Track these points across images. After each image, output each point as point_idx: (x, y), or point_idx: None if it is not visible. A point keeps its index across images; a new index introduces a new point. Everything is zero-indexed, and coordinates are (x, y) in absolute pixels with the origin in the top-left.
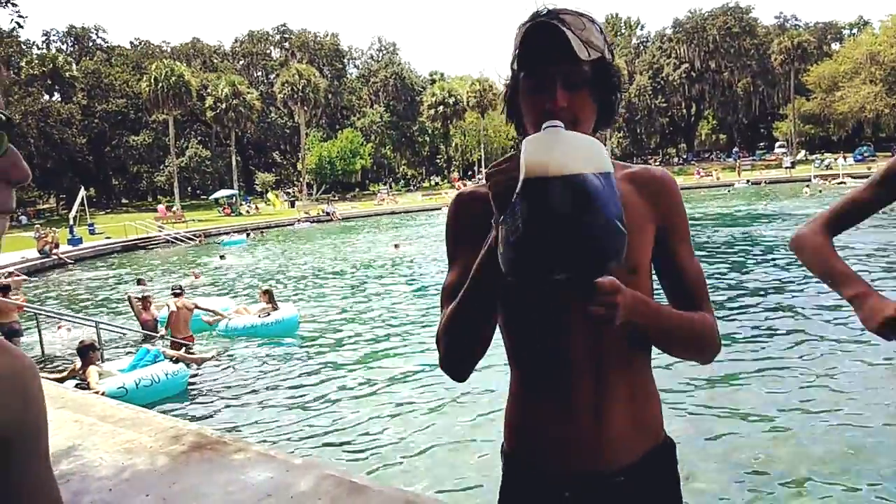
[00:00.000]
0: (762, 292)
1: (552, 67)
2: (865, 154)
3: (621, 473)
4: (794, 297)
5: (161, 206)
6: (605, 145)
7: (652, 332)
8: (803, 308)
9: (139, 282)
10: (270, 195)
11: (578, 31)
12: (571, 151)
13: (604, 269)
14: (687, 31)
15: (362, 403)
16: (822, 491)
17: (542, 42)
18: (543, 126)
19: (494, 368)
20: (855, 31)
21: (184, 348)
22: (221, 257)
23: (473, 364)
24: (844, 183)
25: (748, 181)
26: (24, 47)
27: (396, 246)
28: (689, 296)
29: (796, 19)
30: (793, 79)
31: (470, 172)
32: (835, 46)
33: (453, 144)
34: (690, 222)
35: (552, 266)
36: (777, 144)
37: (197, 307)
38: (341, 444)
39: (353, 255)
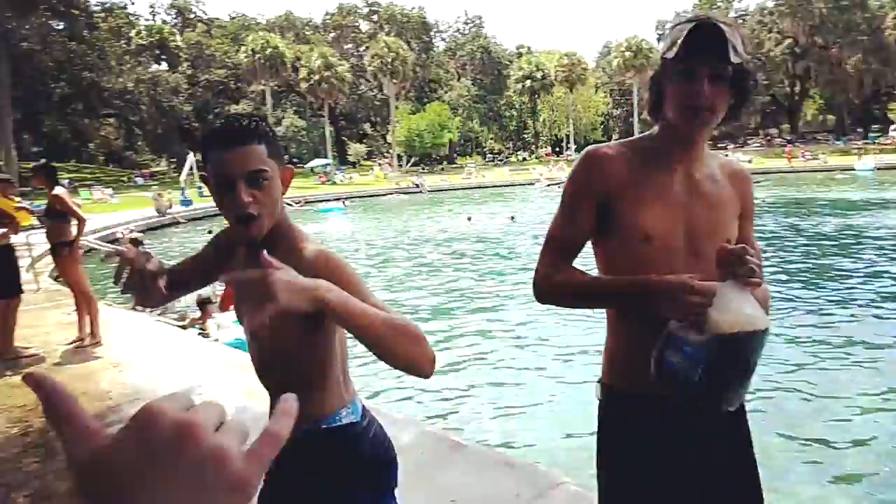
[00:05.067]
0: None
1: (704, 62)
2: None
3: None
4: None
5: None
6: None
7: None
8: None
9: None
10: (377, 170)
11: (732, 36)
12: (757, 310)
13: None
14: (790, 3)
15: (453, 368)
16: None
17: (705, 38)
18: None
19: (587, 329)
20: None
21: None
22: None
23: None
24: None
25: (875, 166)
26: (131, 19)
27: (469, 218)
28: None
29: None
30: None
31: (557, 149)
32: None
33: (541, 119)
34: (802, 207)
35: (709, 394)
36: (892, 127)
37: None
38: (435, 404)
39: (434, 227)
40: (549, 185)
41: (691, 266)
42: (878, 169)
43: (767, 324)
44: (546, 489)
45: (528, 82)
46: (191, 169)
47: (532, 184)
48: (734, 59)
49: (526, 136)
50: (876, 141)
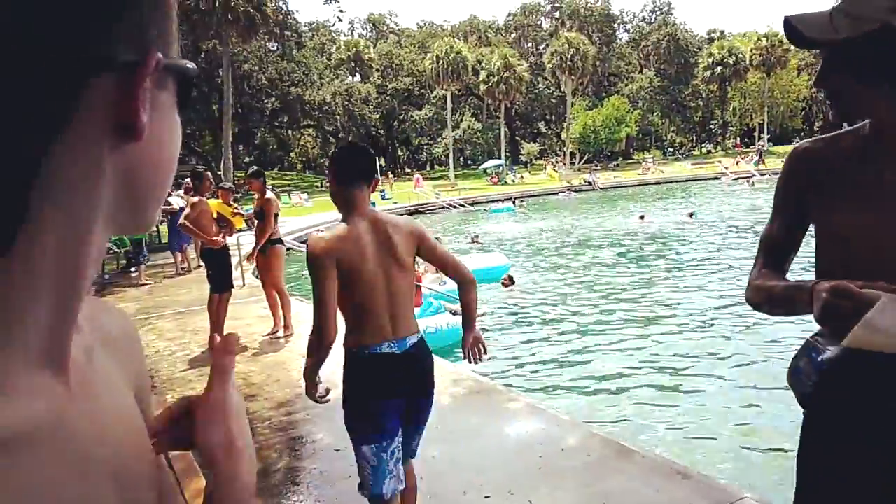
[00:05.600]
0: None
1: (822, 52)
2: None
3: None
4: None
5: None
6: None
7: None
8: None
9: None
10: (549, 169)
11: (839, 10)
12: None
13: None
14: None
15: (621, 373)
16: None
17: (786, 31)
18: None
19: (769, 335)
20: None
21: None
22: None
23: None
24: None
25: None
26: (334, 35)
27: (642, 217)
28: None
29: None
30: None
31: (747, 139)
32: None
33: (731, 108)
34: None
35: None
36: None
37: None
38: (598, 407)
39: (604, 225)
40: (736, 179)
41: None
42: None
43: None
44: (725, 503)
45: (718, 69)
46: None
47: (717, 178)
48: (827, 35)
49: (712, 126)
50: None
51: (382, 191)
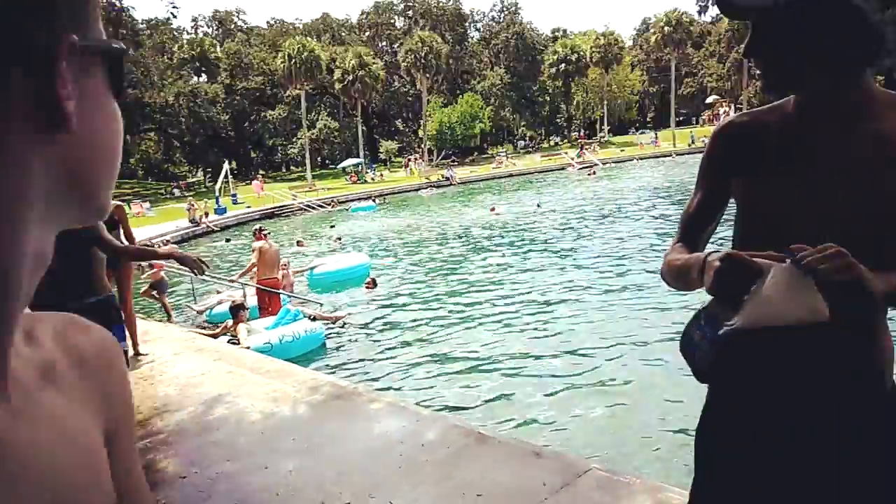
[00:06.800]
0: None
1: (751, 20)
2: None
3: None
4: None
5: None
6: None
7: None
8: None
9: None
10: (412, 166)
11: None
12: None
13: None
14: None
15: (478, 362)
16: None
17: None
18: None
19: (611, 316)
20: None
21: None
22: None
23: None
24: None
25: None
26: (175, 34)
27: (493, 209)
28: None
29: None
30: None
31: (589, 132)
32: None
33: (574, 103)
34: None
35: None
36: None
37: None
38: (463, 399)
39: (459, 219)
40: (581, 168)
41: None
42: None
43: (815, 317)
44: (573, 477)
45: (562, 66)
46: (225, 177)
47: (563, 168)
48: (748, 3)
49: (559, 120)
50: None
51: (234, 195)
